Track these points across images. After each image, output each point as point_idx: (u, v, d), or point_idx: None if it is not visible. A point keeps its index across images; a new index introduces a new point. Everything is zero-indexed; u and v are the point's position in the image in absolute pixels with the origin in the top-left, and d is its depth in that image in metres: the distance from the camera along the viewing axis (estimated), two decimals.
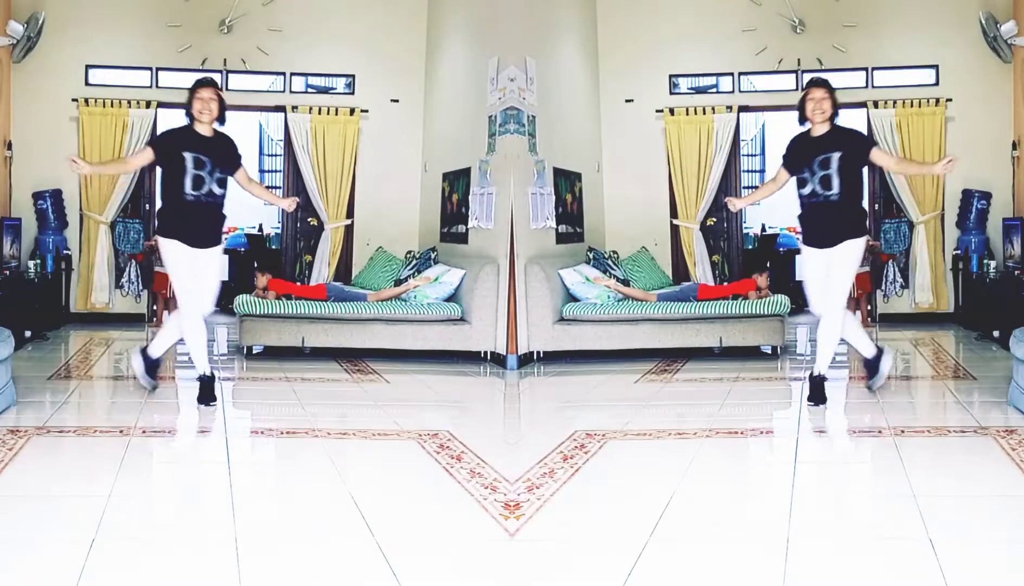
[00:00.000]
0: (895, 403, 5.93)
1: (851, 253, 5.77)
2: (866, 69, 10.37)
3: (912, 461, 4.68)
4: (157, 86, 10.34)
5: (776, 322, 8.01)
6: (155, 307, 10.32)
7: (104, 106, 10.13)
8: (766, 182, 6.17)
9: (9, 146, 10.01)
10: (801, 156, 5.86)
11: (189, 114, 5.87)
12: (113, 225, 10.27)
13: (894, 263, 10.42)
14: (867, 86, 10.33)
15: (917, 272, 10.24)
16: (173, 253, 5.83)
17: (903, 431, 5.23)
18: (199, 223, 5.85)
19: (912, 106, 10.14)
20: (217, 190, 5.87)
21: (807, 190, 5.81)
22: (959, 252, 10.10)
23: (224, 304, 11.19)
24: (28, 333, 8.55)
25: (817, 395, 5.90)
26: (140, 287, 10.43)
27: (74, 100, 10.16)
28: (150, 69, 10.35)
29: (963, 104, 10.16)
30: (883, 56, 10.33)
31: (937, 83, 10.24)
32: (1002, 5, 9.96)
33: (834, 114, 5.83)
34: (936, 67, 10.25)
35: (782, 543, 3.47)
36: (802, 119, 5.92)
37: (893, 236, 10.37)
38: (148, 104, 10.20)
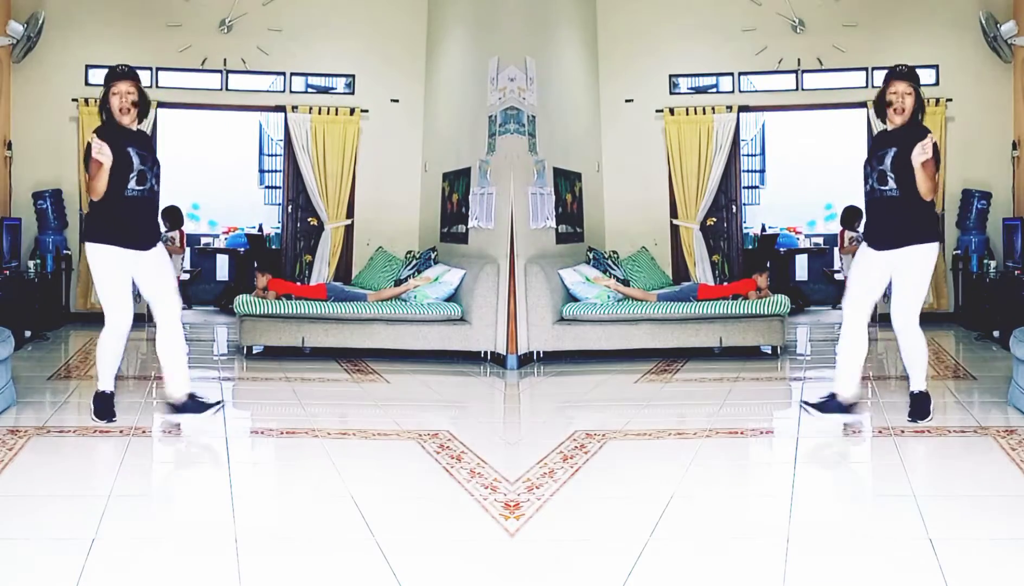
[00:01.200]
0: (895, 403, 5.92)
1: (919, 260, 5.20)
2: (866, 69, 10.37)
3: (912, 461, 4.69)
4: (157, 86, 10.33)
5: (776, 322, 8.01)
6: None
7: None
8: None
9: (9, 146, 10.02)
10: (874, 150, 5.37)
11: (108, 110, 5.26)
12: None
13: None
14: (867, 86, 10.32)
15: None
16: (108, 259, 5.20)
17: (903, 431, 5.23)
18: (140, 222, 5.28)
19: None
20: (156, 186, 5.36)
21: (867, 186, 5.33)
22: (959, 252, 10.10)
23: (224, 304, 11.24)
24: (28, 333, 8.55)
25: (919, 411, 5.39)
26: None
27: (74, 100, 10.16)
28: (150, 69, 10.34)
29: (963, 104, 10.16)
30: (883, 56, 10.29)
31: (937, 83, 10.23)
32: (1002, 5, 9.96)
33: (917, 110, 5.27)
34: (936, 67, 10.24)
35: (782, 543, 3.47)
36: (881, 114, 5.36)
37: None
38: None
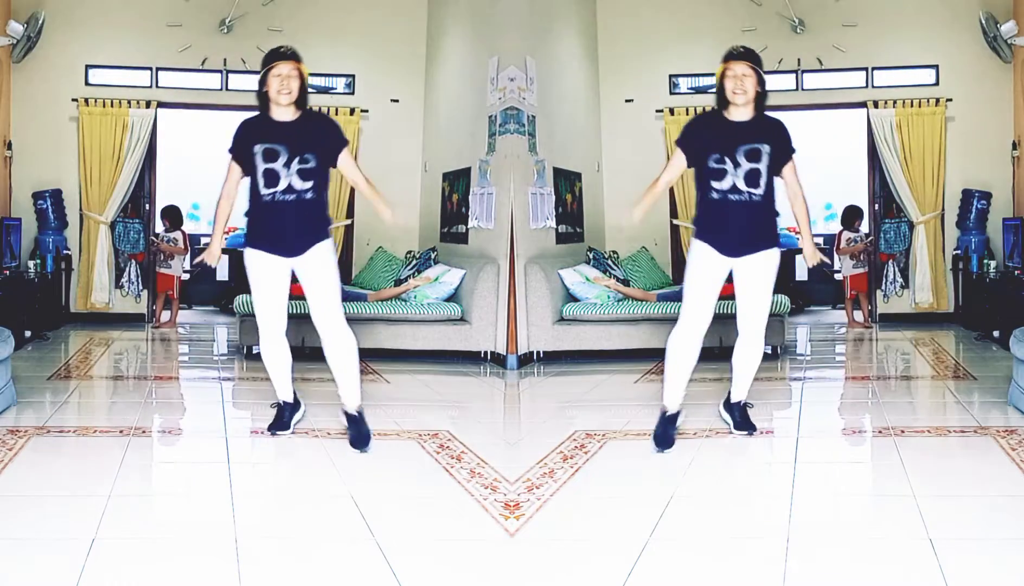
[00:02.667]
0: (895, 403, 5.92)
1: (773, 265, 4.91)
2: (866, 69, 10.37)
3: (912, 461, 4.68)
4: (157, 86, 10.34)
5: (776, 322, 8.00)
6: (155, 307, 10.33)
7: (104, 106, 10.13)
8: (663, 174, 5.19)
9: (9, 146, 10.01)
10: (714, 141, 4.82)
11: (263, 98, 4.89)
12: (113, 225, 10.27)
13: (894, 263, 10.43)
14: (867, 86, 10.33)
15: (917, 272, 10.24)
16: (250, 262, 4.91)
17: (903, 431, 5.23)
18: (283, 227, 4.81)
19: (912, 106, 10.14)
20: (299, 183, 4.80)
21: (725, 184, 4.80)
22: (959, 252, 10.10)
23: (224, 304, 11.25)
24: (28, 333, 8.55)
25: (746, 423, 5.18)
26: (140, 287, 10.44)
27: (74, 100, 10.16)
28: (150, 69, 10.35)
29: (963, 104, 10.16)
30: (883, 56, 10.33)
31: (937, 83, 10.24)
32: (1002, 5, 9.96)
33: (762, 99, 4.86)
34: (936, 67, 10.25)
35: (782, 543, 3.47)
36: (722, 102, 4.87)
37: (893, 236, 10.37)
38: (148, 104, 10.20)
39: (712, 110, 4.96)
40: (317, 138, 4.88)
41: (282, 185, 4.78)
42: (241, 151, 4.89)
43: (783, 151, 4.89)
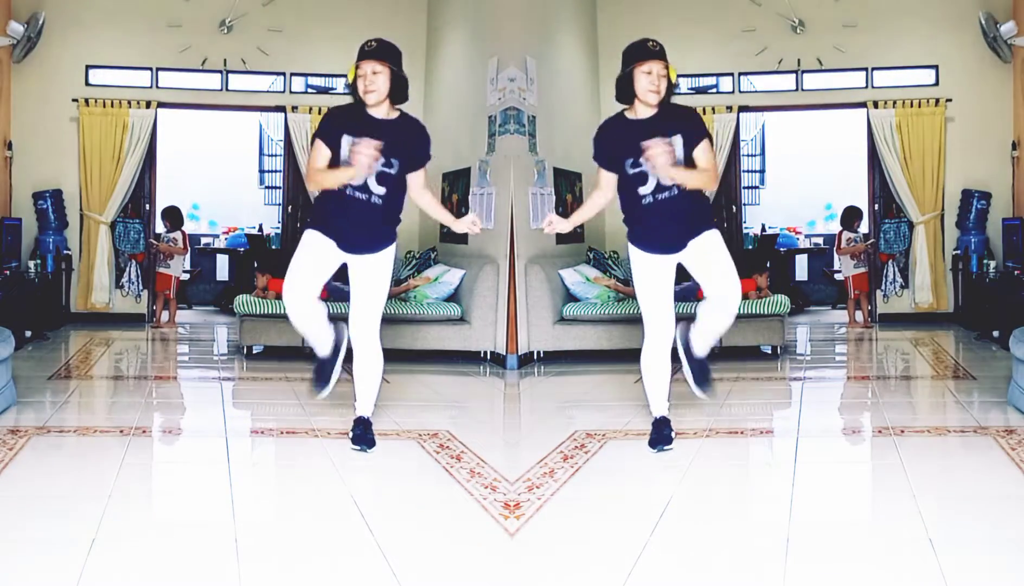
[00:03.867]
0: (895, 403, 5.92)
1: (718, 240, 4.73)
2: (866, 69, 10.37)
3: (912, 461, 4.68)
4: (157, 86, 10.34)
5: (776, 322, 8.01)
6: (155, 307, 10.33)
7: (104, 106, 10.13)
8: (592, 194, 4.93)
9: (9, 146, 10.02)
10: (626, 147, 4.60)
11: (355, 92, 4.62)
12: (113, 225, 10.28)
13: (894, 263, 10.43)
14: (867, 86, 10.34)
15: (917, 272, 10.25)
16: (306, 239, 4.71)
17: (903, 431, 5.23)
18: (353, 224, 4.62)
19: (912, 106, 10.14)
20: (377, 187, 4.58)
21: (650, 186, 4.58)
22: (959, 252, 10.11)
23: (224, 304, 11.25)
24: (28, 333, 8.55)
25: (703, 375, 5.04)
26: (140, 287, 10.45)
27: (74, 100, 10.16)
28: (150, 69, 10.35)
29: (963, 104, 10.16)
30: (883, 56, 10.33)
31: (937, 83, 10.24)
32: (1002, 5, 9.96)
33: (670, 91, 4.61)
34: (936, 67, 10.25)
35: (782, 543, 3.47)
36: (626, 98, 4.69)
37: (893, 236, 10.37)
38: (148, 104, 10.21)
39: (616, 114, 4.75)
40: (407, 146, 4.67)
41: (359, 182, 4.58)
42: (330, 137, 4.61)
43: (693, 135, 4.60)
